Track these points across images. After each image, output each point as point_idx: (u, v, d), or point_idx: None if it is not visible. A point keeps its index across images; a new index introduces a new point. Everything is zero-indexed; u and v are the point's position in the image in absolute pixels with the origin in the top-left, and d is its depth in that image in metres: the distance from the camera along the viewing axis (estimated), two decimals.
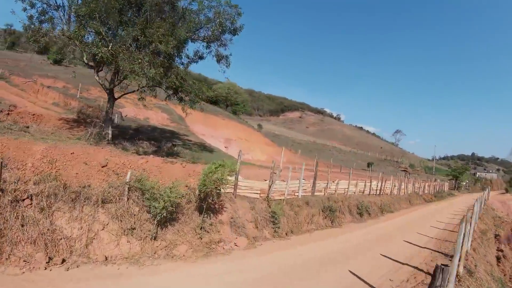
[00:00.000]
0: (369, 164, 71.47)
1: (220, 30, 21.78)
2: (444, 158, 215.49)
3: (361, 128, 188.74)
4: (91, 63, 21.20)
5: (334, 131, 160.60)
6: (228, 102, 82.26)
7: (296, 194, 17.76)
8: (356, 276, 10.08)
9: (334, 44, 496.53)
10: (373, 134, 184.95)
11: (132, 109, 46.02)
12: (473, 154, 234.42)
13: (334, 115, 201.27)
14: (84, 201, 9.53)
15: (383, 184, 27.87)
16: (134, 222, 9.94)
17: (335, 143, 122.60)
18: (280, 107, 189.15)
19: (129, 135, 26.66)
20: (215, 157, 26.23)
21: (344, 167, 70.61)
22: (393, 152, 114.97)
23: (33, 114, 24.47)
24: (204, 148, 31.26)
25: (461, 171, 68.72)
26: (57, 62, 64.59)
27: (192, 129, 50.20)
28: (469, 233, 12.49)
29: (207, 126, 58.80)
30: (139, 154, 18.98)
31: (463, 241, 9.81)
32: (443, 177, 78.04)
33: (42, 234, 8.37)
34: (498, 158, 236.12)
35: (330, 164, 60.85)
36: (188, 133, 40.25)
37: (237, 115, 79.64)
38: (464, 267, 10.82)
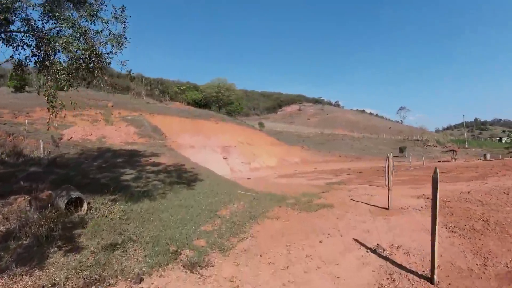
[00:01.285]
0: (401, 149, 56.47)
1: None
2: (448, 128, 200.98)
3: (363, 111, 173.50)
4: None
5: (337, 118, 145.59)
6: (220, 103, 67.32)
7: None
8: None
9: (321, 31, 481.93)
10: (376, 115, 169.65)
11: (82, 128, 31.20)
12: (476, 119, 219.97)
13: (333, 102, 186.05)
14: None
15: None
16: None
17: (341, 130, 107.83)
18: (276, 102, 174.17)
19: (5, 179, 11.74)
20: (195, 199, 11.14)
21: (372, 156, 56.18)
22: (412, 131, 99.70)
23: None
24: (180, 175, 16.33)
25: None
26: (19, 89, 51.11)
27: (174, 142, 35.33)
28: None
29: (196, 135, 43.89)
30: None
31: None
32: (479, 149, 62.84)
33: None
34: (501, 120, 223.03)
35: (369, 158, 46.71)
36: (161, 150, 25.26)
37: (232, 116, 64.71)
38: None
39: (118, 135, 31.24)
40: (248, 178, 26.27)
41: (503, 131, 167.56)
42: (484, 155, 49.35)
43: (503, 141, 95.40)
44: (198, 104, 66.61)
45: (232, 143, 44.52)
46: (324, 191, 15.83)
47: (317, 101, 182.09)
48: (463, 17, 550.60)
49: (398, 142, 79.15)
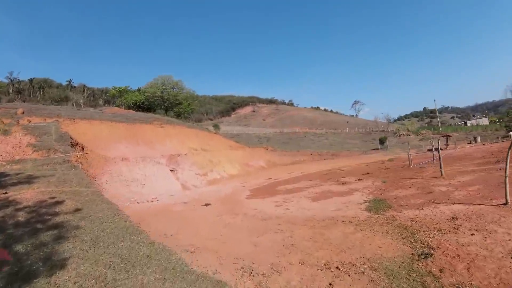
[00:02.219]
0: (381, 140, 48.16)
1: None
2: (399, 119, 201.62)
3: (318, 108, 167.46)
4: None
5: (293, 117, 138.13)
6: (167, 104, 55.41)
7: None
8: None
9: (270, 33, 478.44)
10: (331, 111, 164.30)
11: None
12: (424, 108, 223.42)
13: (287, 101, 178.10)
14: None
15: None
16: None
17: (299, 128, 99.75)
18: (229, 105, 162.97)
19: None
20: None
21: (348, 151, 47.48)
22: (377, 123, 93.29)
23: None
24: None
25: None
26: None
27: (98, 155, 24.05)
28: None
29: (135, 143, 32.54)
30: None
31: None
32: (456, 134, 56.47)
33: None
34: (448, 107, 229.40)
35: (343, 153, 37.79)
36: (50, 171, 13.95)
37: (182, 118, 53.28)
38: None
39: (3, 149, 19.47)
40: (207, 204, 15.60)
41: (452, 117, 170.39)
42: (475, 138, 42.48)
43: (468, 124, 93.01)
44: (140, 107, 54.49)
45: (182, 151, 33.39)
46: (430, 253, 5.75)
47: (270, 101, 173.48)
48: (404, 15, 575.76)
49: (365, 134, 72.07)
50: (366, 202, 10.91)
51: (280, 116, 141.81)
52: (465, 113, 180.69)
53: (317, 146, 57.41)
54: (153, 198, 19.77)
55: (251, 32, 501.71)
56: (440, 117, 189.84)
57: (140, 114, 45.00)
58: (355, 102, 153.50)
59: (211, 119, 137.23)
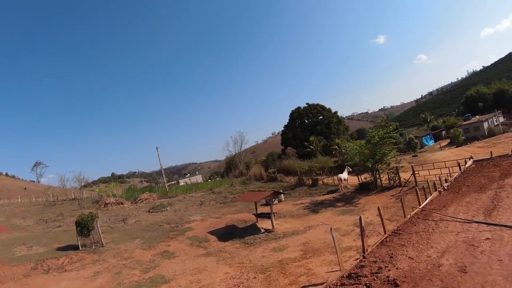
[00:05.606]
0: (82, 226, 24.77)
1: None
2: (86, 186, 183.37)
3: None
4: None
5: None
6: None
7: None
8: None
9: None
10: (6, 174, 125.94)
11: None
12: (113, 173, 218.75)
13: None
14: None
15: None
16: None
17: None
18: None
19: None
20: None
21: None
22: (66, 190, 74.16)
23: None
24: None
25: None
26: None
27: None
28: None
29: None
30: None
31: None
32: (195, 194, 44.78)
33: None
34: (136, 172, 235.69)
35: None
36: None
37: None
38: None
39: None
40: None
41: (140, 181, 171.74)
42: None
43: (182, 183, 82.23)
44: None
45: None
46: None
47: None
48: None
49: (48, 206, 48.95)
50: None
51: None
52: (153, 177, 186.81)
53: None
54: None
55: None
56: (129, 182, 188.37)
57: None
58: (36, 164, 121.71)
59: None
